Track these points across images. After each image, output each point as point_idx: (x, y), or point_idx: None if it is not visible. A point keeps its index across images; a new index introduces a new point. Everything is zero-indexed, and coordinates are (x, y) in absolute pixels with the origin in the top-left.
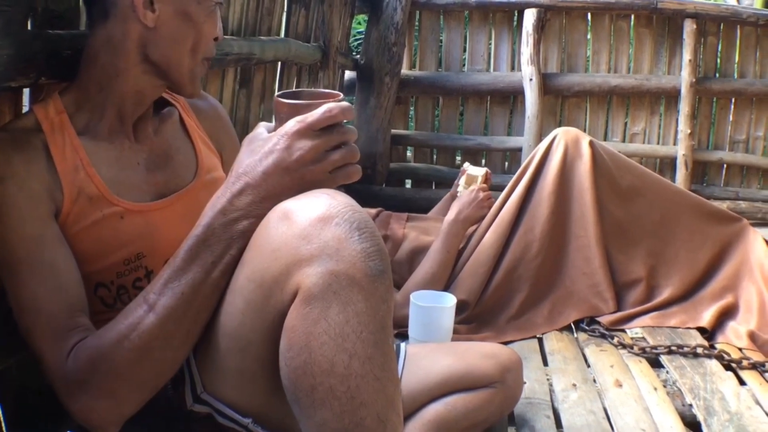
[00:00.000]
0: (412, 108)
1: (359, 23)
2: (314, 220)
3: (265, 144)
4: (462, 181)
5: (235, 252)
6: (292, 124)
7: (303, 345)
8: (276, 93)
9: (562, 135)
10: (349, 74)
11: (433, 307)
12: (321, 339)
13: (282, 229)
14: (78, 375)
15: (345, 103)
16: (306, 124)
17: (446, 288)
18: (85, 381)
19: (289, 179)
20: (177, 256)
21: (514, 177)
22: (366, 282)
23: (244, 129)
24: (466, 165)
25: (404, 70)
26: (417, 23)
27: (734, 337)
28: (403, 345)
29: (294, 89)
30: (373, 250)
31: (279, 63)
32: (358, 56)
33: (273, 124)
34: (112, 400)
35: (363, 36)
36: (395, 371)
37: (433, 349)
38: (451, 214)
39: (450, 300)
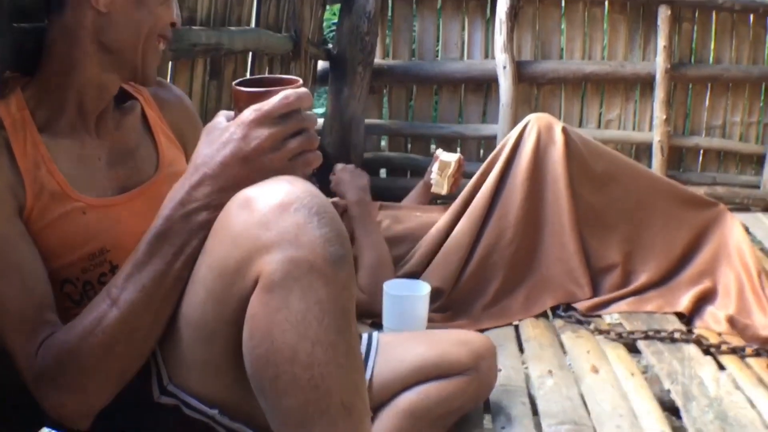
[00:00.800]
0: (386, 97)
1: (333, 14)
2: (273, 207)
3: (223, 134)
4: (435, 167)
5: (196, 243)
6: (249, 113)
7: (265, 333)
8: (234, 81)
9: (534, 121)
10: (322, 64)
11: (406, 296)
12: (282, 327)
13: (242, 216)
14: (47, 371)
15: (302, 90)
16: (263, 112)
17: (420, 275)
18: (54, 377)
19: (247, 169)
20: (138, 250)
21: (486, 163)
22: (326, 268)
23: None
24: (439, 151)
25: (377, 60)
26: (390, 12)
27: (713, 321)
28: (375, 334)
29: (254, 76)
30: (333, 235)
31: (250, 54)
32: (331, 46)
33: (232, 112)
34: (82, 394)
35: (335, 27)
36: (359, 358)
37: (407, 337)
38: (351, 199)
39: (424, 288)
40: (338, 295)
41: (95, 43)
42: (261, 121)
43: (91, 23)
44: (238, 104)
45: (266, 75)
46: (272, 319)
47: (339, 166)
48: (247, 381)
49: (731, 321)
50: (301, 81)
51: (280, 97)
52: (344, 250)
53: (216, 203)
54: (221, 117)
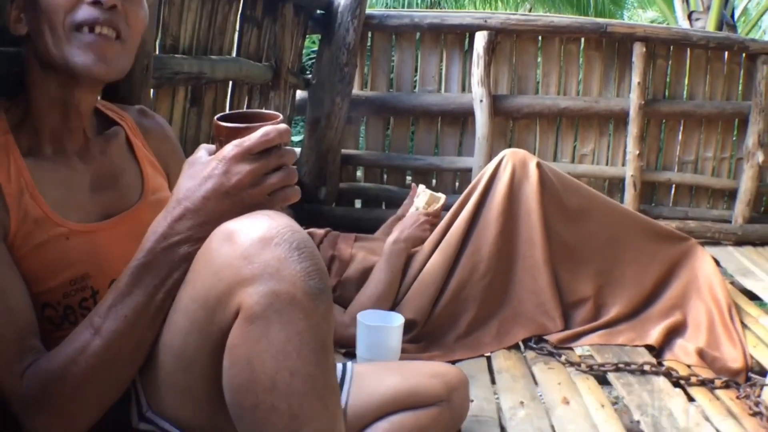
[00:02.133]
0: (363, 128)
1: (312, 42)
2: (255, 240)
3: (204, 168)
4: (420, 201)
5: (177, 276)
6: (230, 148)
7: (245, 363)
8: (216, 115)
9: (509, 156)
10: (300, 94)
11: (380, 327)
12: (262, 357)
13: (224, 249)
14: (32, 397)
15: (282, 126)
16: (243, 148)
17: (394, 308)
18: (38, 403)
19: (229, 203)
20: (121, 281)
21: (461, 197)
22: (306, 301)
23: (194, 147)
24: (421, 187)
25: (355, 90)
26: (369, 44)
27: (683, 354)
28: (350, 364)
29: (235, 111)
30: (313, 269)
31: (230, 82)
32: (310, 75)
33: (213, 146)
34: (66, 419)
35: (316, 55)
36: (337, 389)
37: (380, 368)
38: (393, 235)
39: (397, 320)
40: (317, 327)
41: (38, 66)
42: (242, 156)
43: (30, 51)
44: (218, 138)
45: (246, 109)
46: (252, 349)
47: (413, 210)
48: (226, 409)
49: (701, 354)
50: (281, 117)
51: (260, 134)
52: (323, 283)
53: (197, 236)
54: (203, 151)
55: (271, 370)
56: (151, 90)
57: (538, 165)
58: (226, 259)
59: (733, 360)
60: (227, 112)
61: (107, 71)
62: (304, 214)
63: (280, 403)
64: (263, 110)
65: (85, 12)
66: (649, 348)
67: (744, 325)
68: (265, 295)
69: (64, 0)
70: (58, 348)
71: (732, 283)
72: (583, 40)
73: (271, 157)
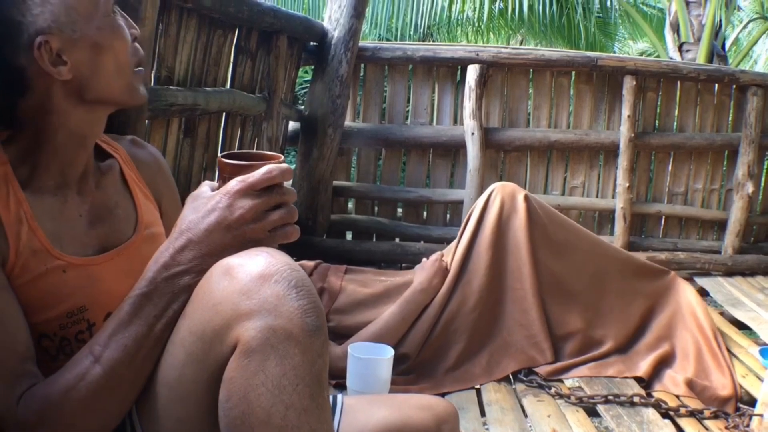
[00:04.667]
0: (354, 158)
1: (305, 72)
2: (254, 276)
3: (208, 202)
4: None
5: (177, 306)
6: (234, 184)
7: (241, 396)
8: (220, 153)
9: (498, 190)
10: (293, 125)
11: (370, 359)
12: (258, 390)
13: (224, 284)
14: (28, 423)
15: (285, 165)
16: (247, 184)
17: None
18: (34, 429)
19: (230, 236)
20: (122, 310)
21: (458, 234)
22: (303, 337)
23: (188, 178)
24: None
25: (348, 122)
26: (362, 75)
27: (672, 384)
28: (340, 396)
29: (237, 151)
30: (310, 307)
31: (224, 113)
32: (303, 106)
33: (216, 183)
34: None
35: (309, 85)
36: (330, 423)
37: (370, 400)
38: (419, 284)
39: (387, 352)
40: (313, 362)
41: (72, 103)
42: (245, 192)
43: (61, 92)
44: (222, 175)
45: (249, 150)
46: (249, 382)
47: (435, 255)
48: None
49: (690, 384)
50: (282, 157)
51: (263, 171)
52: (320, 321)
53: (199, 268)
54: (206, 186)
55: (266, 404)
56: (146, 121)
57: (526, 198)
58: (225, 294)
59: (723, 387)
60: (232, 151)
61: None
62: (295, 245)
63: None
64: (266, 151)
65: (138, 51)
66: (639, 379)
67: (733, 355)
68: (263, 330)
69: (128, 43)
70: (56, 374)
71: (722, 313)
72: (573, 73)
73: (273, 195)
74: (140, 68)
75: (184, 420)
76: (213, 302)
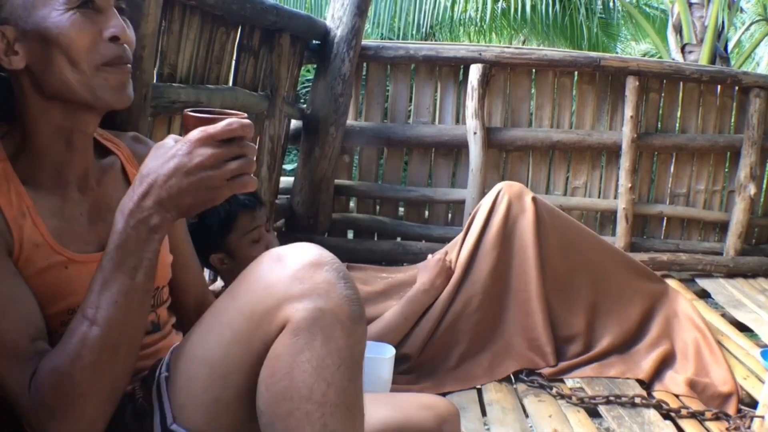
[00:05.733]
0: (356, 157)
1: (307, 71)
2: (307, 264)
3: (169, 150)
4: None
5: (151, 255)
6: (195, 133)
7: (286, 371)
8: (186, 109)
9: (505, 190)
10: (295, 123)
11: (371, 358)
12: (303, 367)
13: (276, 269)
14: (43, 399)
15: (246, 120)
16: (207, 134)
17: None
18: (51, 405)
19: (187, 182)
20: (103, 268)
21: (461, 234)
22: (349, 322)
23: None
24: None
25: (350, 121)
26: (364, 74)
27: (672, 384)
28: None
29: (204, 108)
30: (355, 297)
31: None
32: (305, 105)
33: (181, 136)
34: (81, 421)
35: (311, 84)
36: (363, 406)
37: (371, 399)
38: (422, 284)
39: (389, 351)
40: (354, 347)
41: (39, 97)
42: (205, 141)
43: (27, 82)
44: (187, 128)
45: (216, 109)
46: (295, 359)
47: (438, 254)
48: (253, 422)
49: (691, 384)
50: (245, 115)
51: (224, 123)
52: (363, 311)
53: (162, 212)
54: (170, 138)
55: (309, 380)
56: (149, 118)
57: (534, 199)
58: (277, 278)
59: (724, 383)
60: (199, 108)
61: (129, 101)
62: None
63: (315, 411)
64: (231, 110)
65: (109, 50)
66: (640, 380)
67: (734, 357)
68: (313, 310)
69: (86, 38)
70: (58, 346)
71: (723, 315)
72: (576, 73)
73: (233, 146)
74: (121, 66)
75: (221, 400)
76: (264, 285)
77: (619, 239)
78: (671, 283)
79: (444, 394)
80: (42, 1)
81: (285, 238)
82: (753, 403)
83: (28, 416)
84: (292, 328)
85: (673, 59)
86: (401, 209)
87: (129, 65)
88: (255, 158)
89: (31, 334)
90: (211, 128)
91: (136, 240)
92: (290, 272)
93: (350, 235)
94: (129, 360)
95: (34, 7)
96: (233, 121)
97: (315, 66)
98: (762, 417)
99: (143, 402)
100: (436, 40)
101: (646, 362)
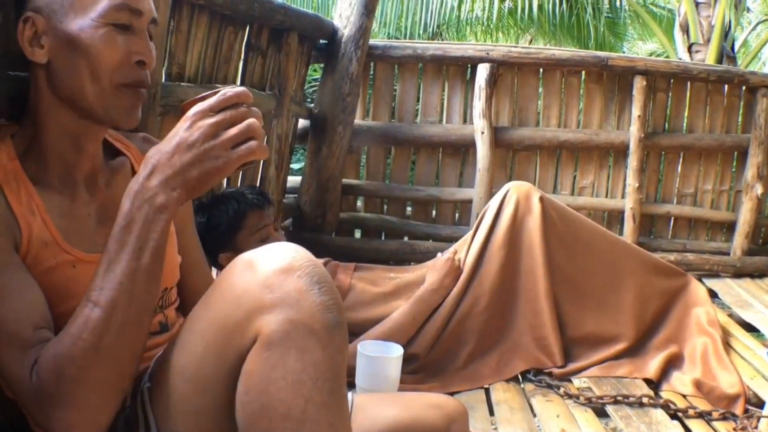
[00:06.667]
0: (363, 157)
1: (315, 70)
2: (277, 270)
3: (172, 133)
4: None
5: (158, 235)
6: (193, 110)
7: (261, 389)
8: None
9: (514, 190)
10: (302, 122)
11: (379, 357)
12: (278, 384)
13: (246, 276)
14: (45, 386)
15: (240, 87)
16: (204, 107)
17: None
18: (53, 392)
19: (191, 155)
20: (108, 249)
21: (470, 233)
22: (323, 332)
23: None
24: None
25: (357, 120)
26: (372, 74)
27: (679, 384)
28: (350, 394)
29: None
30: (332, 303)
31: None
32: (312, 104)
33: None
34: (85, 409)
35: (318, 83)
36: (348, 419)
37: (380, 398)
38: (431, 284)
39: (396, 350)
40: (332, 358)
41: (51, 94)
42: (203, 114)
43: (43, 76)
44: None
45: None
46: (269, 375)
47: (447, 254)
48: None
49: (697, 384)
50: (242, 88)
51: (219, 94)
52: (340, 317)
53: (168, 189)
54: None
55: (286, 397)
56: (158, 117)
57: (541, 199)
58: (248, 286)
59: (731, 385)
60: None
61: (137, 123)
62: (303, 243)
63: (294, 428)
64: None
65: (133, 73)
66: (647, 380)
67: (741, 357)
68: (284, 323)
69: (115, 56)
70: (61, 332)
71: (730, 315)
72: (584, 73)
73: (231, 112)
74: (138, 89)
75: (201, 413)
76: (235, 294)
77: (626, 239)
78: None
79: (452, 394)
80: (81, 6)
81: (293, 237)
82: (760, 403)
83: (29, 406)
84: (263, 342)
85: (680, 59)
86: (408, 209)
87: (145, 90)
88: (260, 124)
89: (35, 322)
90: (207, 102)
91: (142, 220)
92: (260, 280)
93: (358, 234)
94: (135, 345)
95: (72, 10)
96: (227, 89)
97: (322, 65)
98: None
99: (130, 412)
100: (443, 40)
101: (654, 362)
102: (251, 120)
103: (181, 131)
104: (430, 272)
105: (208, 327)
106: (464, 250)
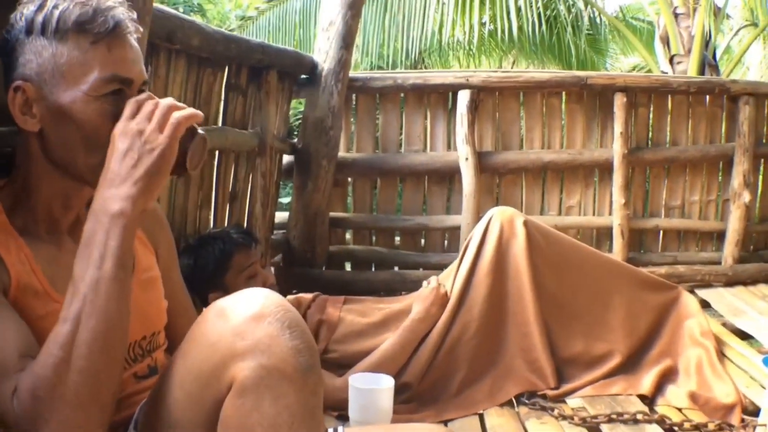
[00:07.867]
0: (350, 189)
1: (299, 102)
2: (248, 318)
3: (108, 154)
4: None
5: (116, 242)
6: (115, 130)
7: None
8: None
9: (497, 216)
10: (287, 158)
11: (371, 389)
12: (255, 430)
13: (219, 324)
14: (24, 410)
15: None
16: (122, 122)
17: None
18: (31, 415)
19: (130, 158)
20: (74, 269)
21: (456, 262)
22: (296, 376)
23: (183, 217)
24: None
25: (342, 153)
26: (354, 105)
27: (674, 398)
28: (341, 428)
29: None
30: (303, 347)
31: (216, 151)
32: (296, 139)
33: None
34: (66, 427)
35: (301, 118)
36: None
37: (373, 431)
38: (417, 313)
39: (387, 381)
40: (306, 401)
41: (46, 161)
42: (124, 125)
43: (35, 143)
44: None
45: None
46: (245, 422)
47: (432, 283)
48: None
49: (693, 397)
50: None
51: (127, 106)
52: (313, 360)
53: (122, 194)
54: None
55: None
56: None
57: (525, 223)
58: (220, 334)
59: (727, 395)
60: None
61: None
62: (294, 278)
63: None
64: None
65: None
66: (642, 397)
67: (736, 365)
68: (257, 369)
69: (110, 128)
70: (40, 352)
71: (724, 324)
72: (564, 93)
73: (144, 109)
74: None
75: None
76: (209, 342)
77: (616, 255)
78: None
79: (446, 422)
80: (72, 78)
81: (283, 273)
82: (756, 411)
83: (14, 430)
84: (237, 389)
85: (663, 71)
86: (397, 238)
87: None
88: (150, 95)
89: (19, 349)
90: (123, 117)
91: (102, 231)
92: (232, 327)
93: (348, 266)
94: (110, 358)
95: (63, 80)
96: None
97: (304, 100)
98: (765, 425)
99: None
100: (426, 66)
101: (648, 377)
102: (164, 101)
103: (115, 148)
104: (416, 302)
105: (186, 376)
106: (451, 278)
